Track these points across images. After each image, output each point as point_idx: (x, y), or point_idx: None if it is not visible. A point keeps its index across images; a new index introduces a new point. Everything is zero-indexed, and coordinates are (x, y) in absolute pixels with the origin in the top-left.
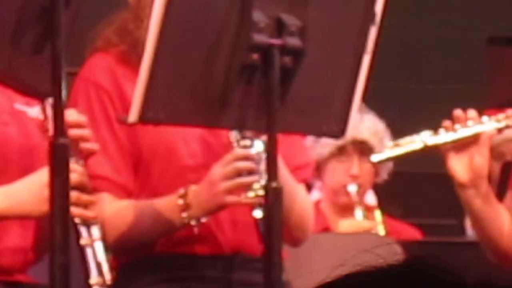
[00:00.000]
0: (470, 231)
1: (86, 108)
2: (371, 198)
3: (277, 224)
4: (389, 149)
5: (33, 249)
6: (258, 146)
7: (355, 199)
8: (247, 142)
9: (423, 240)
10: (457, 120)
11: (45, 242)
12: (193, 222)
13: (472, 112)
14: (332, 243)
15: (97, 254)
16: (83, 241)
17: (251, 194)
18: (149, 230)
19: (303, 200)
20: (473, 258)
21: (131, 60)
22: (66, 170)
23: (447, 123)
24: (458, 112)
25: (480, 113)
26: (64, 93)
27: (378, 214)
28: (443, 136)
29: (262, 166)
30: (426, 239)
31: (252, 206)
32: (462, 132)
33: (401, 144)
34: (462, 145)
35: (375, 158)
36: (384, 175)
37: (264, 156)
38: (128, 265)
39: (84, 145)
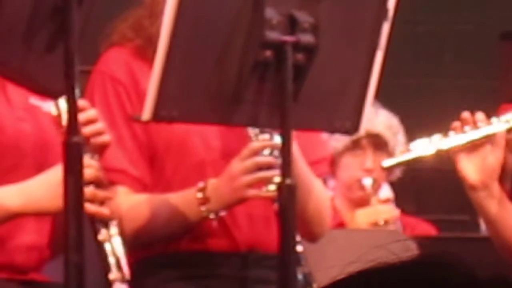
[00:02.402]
0: (484, 227)
1: (102, 101)
2: (386, 191)
3: (291, 221)
4: (399, 154)
5: (49, 247)
6: (277, 140)
7: (370, 192)
8: (265, 136)
9: (437, 236)
10: (465, 122)
11: (61, 239)
12: (211, 216)
13: (480, 115)
14: (346, 239)
15: (115, 249)
16: (101, 236)
17: (271, 187)
18: (166, 223)
19: (320, 195)
20: (487, 254)
21: (146, 54)
22: (80, 168)
23: (456, 124)
24: (465, 114)
25: (493, 108)
26: (77, 91)
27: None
28: (455, 140)
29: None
30: (440, 235)
31: (273, 199)
32: (472, 134)
33: (411, 149)
34: (473, 146)
35: (386, 163)
36: (397, 173)
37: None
38: (144, 261)
39: (99, 139)
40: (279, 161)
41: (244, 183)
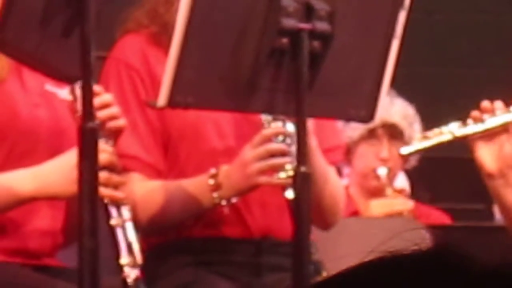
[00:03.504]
0: (498, 216)
1: (117, 88)
2: (402, 181)
3: (305, 209)
4: (417, 141)
5: (62, 232)
6: (290, 127)
7: (385, 182)
8: (278, 123)
9: (451, 224)
10: (484, 111)
11: (74, 225)
12: (223, 202)
13: (499, 103)
14: (360, 228)
15: (127, 234)
16: (113, 221)
17: (282, 175)
18: (179, 210)
19: (334, 183)
20: (502, 242)
21: (162, 41)
22: (95, 154)
23: (475, 113)
24: (485, 103)
25: (510, 97)
26: (92, 77)
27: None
28: (472, 127)
29: (294, 147)
30: (454, 224)
31: (283, 187)
32: (490, 122)
33: (430, 136)
34: (490, 134)
35: (404, 150)
36: (413, 161)
37: (295, 137)
38: (157, 248)
39: (114, 124)
40: (291, 148)
41: (256, 170)
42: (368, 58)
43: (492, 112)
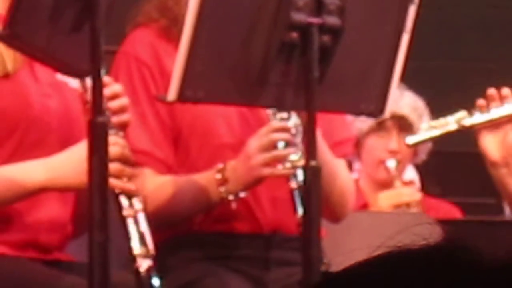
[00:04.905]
0: (508, 211)
1: (127, 82)
2: (411, 173)
3: (315, 203)
4: (424, 131)
5: (72, 223)
6: (295, 119)
7: (394, 174)
8: (283, 115)
9: (461, 219)
10: (491, 99)
11: (84, 218)
12: (231, 197)
13: (506, 90)
14: (370, 222)
15: (140, 224)
16: (125, 212)
17: (287, 165)
18: (188, 205)
19: (344, 177)
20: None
21: (172, 35)
22: (105, 148)
23: (481, 102)
24: (491, 91)
25: None
26: (102, 71)
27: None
28: (478, 117)
29: (299, 139)
30: (465, 218)
31: (288, 177)
32: (496, 112)
33: (436, 126)
34: (496, 124)
35: (410, 140)
36: (422, 156)
37: (300, 128)
38: (167, 242)
39: (121, 117)
40: (296, 139)
41: (260, 162)
42: (378, 52)
43: (498, 100)
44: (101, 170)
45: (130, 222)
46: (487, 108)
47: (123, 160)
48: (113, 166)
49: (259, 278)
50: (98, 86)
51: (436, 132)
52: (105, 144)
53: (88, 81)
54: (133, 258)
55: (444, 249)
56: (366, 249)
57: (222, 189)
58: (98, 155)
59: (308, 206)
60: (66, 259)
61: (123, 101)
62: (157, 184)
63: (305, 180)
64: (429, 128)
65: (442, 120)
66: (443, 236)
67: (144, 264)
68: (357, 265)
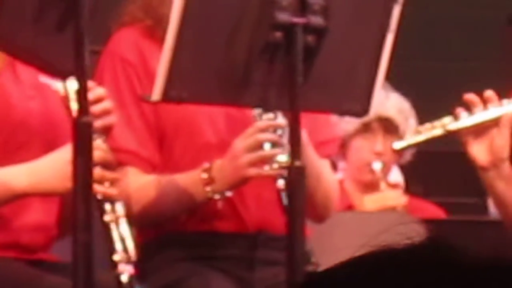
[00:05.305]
0: (493, 210)
1: (112, 82)
2: (396, 175)
3: (300, 203)
4: (410, 136)
5: (56, 226)
6: (281, 119)
7: (379, 176)
8: (270, 115)
9: (445, 219)
10: (471, 104)
11: (68, 219)
12: (217, 196)
13: (489, 92)
14: (355, 222)
15: (121, 230)
16: (107, 217)
17: (274, 166)
18: (173, 204)
19: (328, 177)
20: (496, 236)
21: (156, 34)
22: (89, 148)
23: (459, 109)
24: (470, 96)
25: (505, 91)
26: (87, 71)
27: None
28: (464, 121)
29: (285, 139)
30: (448, 218)
31: (274, 178)
32: (482, 115)
33: (422, 131)
34: (481, 128)
35: (397, 145)
36: (407, 156)
37: (287, 129)
38: (152, 242)
39: (105, 120)
40: (282, 139)
41: (246, 162)
42: (363, 52)
43: (481, 103)
44: (85, 169)
45: (112, 228)
46: (471, 113)
47: (105, 165)
48: (95, 172)
49: (244, 278)
50: (82, 87)
51: (422, 137)
52: (89, 144)
53: (70, 86)
54: (114, 264)
55: (428, 248)
56: (350, 248)
57: (208, 188)
58: (82, 155)
59: (292, 205)
60: (50, 259)
61: (106, 104)
62: (141, 184)
63: (289, 180)
64: (415, 133)
65: (428, 125)
66: (426, 235)
67: (125, 271)
68: (341, 265)
